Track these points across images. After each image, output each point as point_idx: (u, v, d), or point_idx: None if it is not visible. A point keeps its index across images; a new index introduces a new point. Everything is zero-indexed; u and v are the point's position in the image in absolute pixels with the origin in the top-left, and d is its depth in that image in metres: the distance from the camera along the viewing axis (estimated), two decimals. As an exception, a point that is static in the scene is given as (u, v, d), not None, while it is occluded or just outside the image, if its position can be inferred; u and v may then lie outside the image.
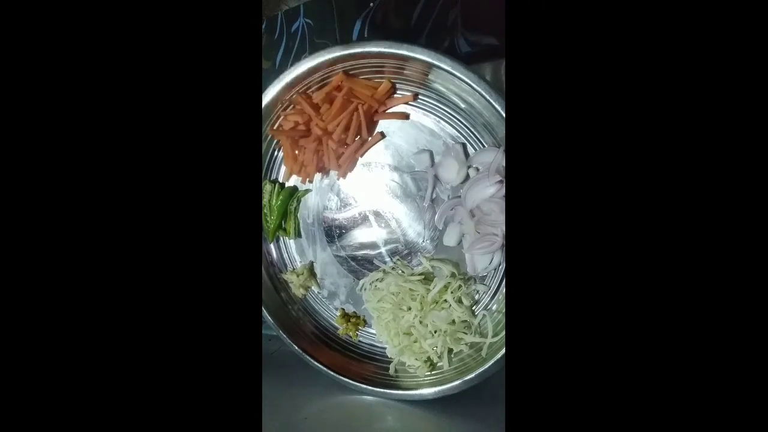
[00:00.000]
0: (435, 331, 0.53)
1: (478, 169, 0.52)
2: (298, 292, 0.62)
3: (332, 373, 0.59)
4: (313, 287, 0.62)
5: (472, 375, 0.51)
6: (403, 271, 0.55)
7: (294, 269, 0.63)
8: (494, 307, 0.54)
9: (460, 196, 0.53)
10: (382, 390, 0.56)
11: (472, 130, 0.52)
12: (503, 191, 0.51)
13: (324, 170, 0.59)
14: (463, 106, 0.50)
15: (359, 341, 0.61)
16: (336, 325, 0.61)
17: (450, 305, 0.53)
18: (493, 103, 0.45)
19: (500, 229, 0.52)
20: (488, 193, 0.51)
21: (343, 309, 0.61)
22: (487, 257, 0.54)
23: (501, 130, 0.49)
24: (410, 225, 0.56)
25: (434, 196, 0.54)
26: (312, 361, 0.60)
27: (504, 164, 0.50)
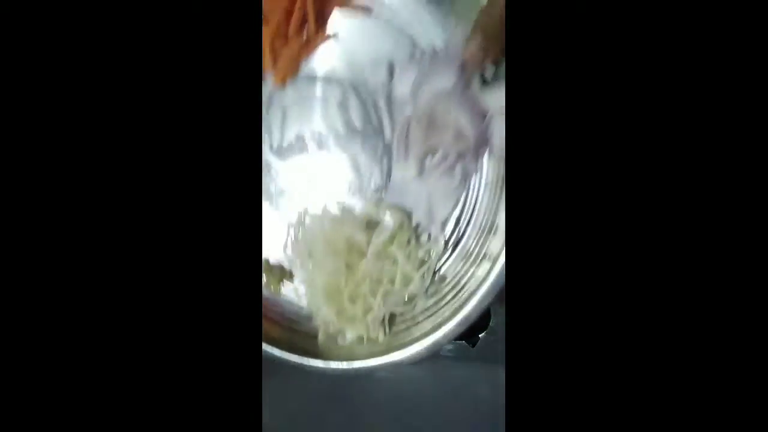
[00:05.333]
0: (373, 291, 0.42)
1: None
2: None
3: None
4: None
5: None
6: (342, 215, 0.43)
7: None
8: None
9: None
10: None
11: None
12: (463, 81, 0.35)
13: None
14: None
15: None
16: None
17: (397, 260, 0.41)
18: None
19: (453, 132, 0.36)
20: (443, 84, 0.36)
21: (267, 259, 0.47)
22: (449, 190, 0.39)
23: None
24: (362, 166, 0.42)
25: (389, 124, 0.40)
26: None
27: (471, 50, 0.35)
